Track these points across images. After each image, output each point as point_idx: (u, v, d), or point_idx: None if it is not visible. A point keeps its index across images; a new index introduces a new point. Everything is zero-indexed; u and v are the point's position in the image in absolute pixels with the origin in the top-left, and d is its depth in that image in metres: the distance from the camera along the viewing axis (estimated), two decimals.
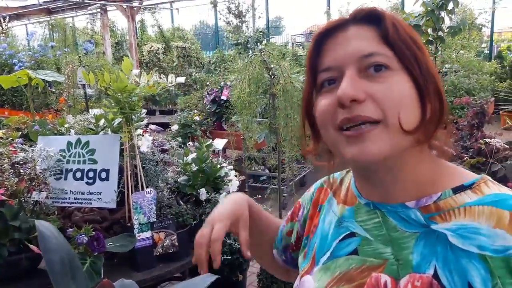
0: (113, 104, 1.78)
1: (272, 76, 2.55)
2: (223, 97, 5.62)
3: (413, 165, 0.65)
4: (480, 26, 10.29)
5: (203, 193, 1.93)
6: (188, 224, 1.85)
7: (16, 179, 1.65)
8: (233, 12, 9.77)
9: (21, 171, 1.72)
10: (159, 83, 1.73)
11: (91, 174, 1.84)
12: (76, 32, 12.57)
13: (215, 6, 11.81)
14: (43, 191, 1.68)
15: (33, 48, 7.91)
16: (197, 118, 5.84)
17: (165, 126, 5.23)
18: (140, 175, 1.78)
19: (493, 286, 0.54)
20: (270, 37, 12.03)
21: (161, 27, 12.91)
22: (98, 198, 1.82)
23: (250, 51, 8.99)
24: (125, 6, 10.81)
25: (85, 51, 5.80)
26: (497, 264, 0.55)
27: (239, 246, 0.97)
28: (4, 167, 1.67)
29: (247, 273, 2.93)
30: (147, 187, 1.79)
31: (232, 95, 2.85)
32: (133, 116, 1.80)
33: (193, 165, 2.07)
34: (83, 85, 3.81)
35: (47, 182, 1.74)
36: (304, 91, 0.72)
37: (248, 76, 2.47)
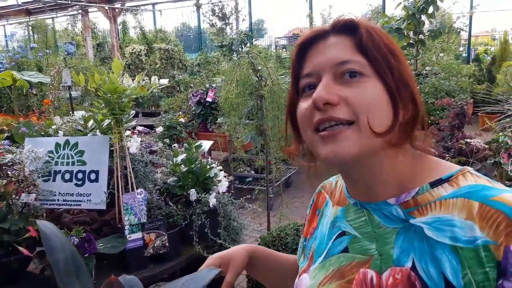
0: (102, 105, 1.78)
1: (260, 78, 2.57)
2: (209, 99, 5.61)
3: (391, 165, 0.68)
4: (458, 30, 10.53)
5: (193, 194, 1.94)
6: (179, 225, 1.86)
7: (4, 181, 1.63)
8: (217, 14, 9.76)
9: (9, 173, 1.70)
10: (149, 84, 1.73)
11: (80, 175, 1.83)
12: (56, 34, 12.35)
13: (198, 8, 11.77)
14: (32, 193, 1.66)
15: (13, 49, 7.74)
16: (182, 120, 5.82)
17: (149, 128, 5.18)
18: (131, 176, 1.78)
19: (463, 276, 0.56)
20: (254, 39, 12.08)
21: (143, 29, 12.80)
22: (87, 200, 1.80)
23: (234, 53, 8.99)
24: (106, 8, 10.65)
25: (66, 53, 5.72)
26: (467, 255, 0.57)
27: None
28: None
29: None
30: (137, 188, 1.78)
31: (219, 97, 2.86)
32: (123, 118, 1.80)
33: (183, 166, 2.08)
34: (69, 87, 3.76)
35: (35, 184, 1.73)
36: (288, 95, 0.77)
37: (236, 78, 2.49)
